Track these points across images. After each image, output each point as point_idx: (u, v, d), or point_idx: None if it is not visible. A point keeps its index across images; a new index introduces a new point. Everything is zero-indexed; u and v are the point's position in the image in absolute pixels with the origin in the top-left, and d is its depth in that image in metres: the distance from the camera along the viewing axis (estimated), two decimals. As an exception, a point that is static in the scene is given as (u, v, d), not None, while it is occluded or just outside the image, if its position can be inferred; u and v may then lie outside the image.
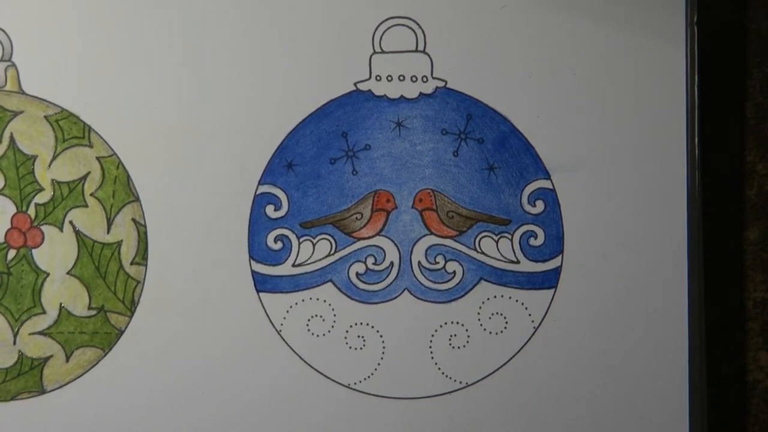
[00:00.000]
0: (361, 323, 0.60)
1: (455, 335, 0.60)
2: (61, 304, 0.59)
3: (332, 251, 0.60)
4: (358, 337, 0.60)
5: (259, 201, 0.59)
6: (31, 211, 0.59)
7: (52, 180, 0.59)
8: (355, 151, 0.60)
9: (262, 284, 0.59)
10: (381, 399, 0.60)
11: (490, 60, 0.60)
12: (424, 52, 0.60)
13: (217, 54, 0.59)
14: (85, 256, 0.59)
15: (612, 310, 0.60)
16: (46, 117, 0.59)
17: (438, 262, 0.60)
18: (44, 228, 0.59)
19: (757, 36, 0.65)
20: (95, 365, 0.59)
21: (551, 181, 0.60)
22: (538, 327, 0.60)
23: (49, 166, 0.59)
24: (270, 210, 0.60)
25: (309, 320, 0.60)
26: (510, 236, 0.60)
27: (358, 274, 0.60)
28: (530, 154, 0.60)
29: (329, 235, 0.60)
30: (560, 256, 0.60)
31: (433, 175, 0.60)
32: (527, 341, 0.60)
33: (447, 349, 0.60)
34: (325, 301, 0.60)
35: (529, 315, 0.60)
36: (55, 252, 0.59)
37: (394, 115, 0.60)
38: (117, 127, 0.59)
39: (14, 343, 0.59)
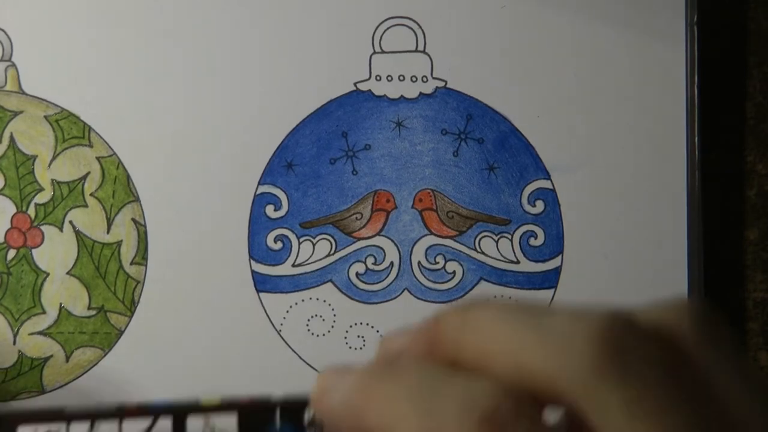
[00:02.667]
0: (361, 323, 0.60)
1: (455, 335, 0.60)
2: (61, 304, 0.59)
3: (332, 251, 0.60)
4: (358, 337, 0.60)
5: (259, 201, 0.59)
6: (31, 211, 0.59)
7: (52, 180, 0.59)
8: (355, 151, 0.60)
9: (262, 284, 0.59)
10: (381, 399, 0.60)
11: (490, 60, 0.60)
12: (424, 52, 0.60)
13: (216, 54, 0.59)
14: (85, 256, 0.59)
15: (612, 310, 0.60)
16: (46, 117, 0.59)
17: (438, 262, 0.60)
18: (44, 228, 0.59)
19: (757, 36, 0.65)
20: (95, 365, 0.59)
21: (551, 181, 0.60)
22: (538, 327, 0.60)
23: (49, 166, 0.59)
24: (270, 210, 0.60)
25: (309, 320, 0.60)
26: (510, 236, 0.60)
27: (358, 274, 0.60)
28: (530, 154, 0.60)
29: (329, 235, 0.60)
30: (560, 256, 0.60)
31: (433, 175, 0.60)
32: (527, 341, 0.60)
33: (447, 349, 0.60)
34: (325, 301, 0.60)
35: (529, 315, 0.60)
36: (55, 252, 0.59)
37: (394, 115, 0.60)
38: (117, 127, 0.59)
39: (14, 343, 0.59)
